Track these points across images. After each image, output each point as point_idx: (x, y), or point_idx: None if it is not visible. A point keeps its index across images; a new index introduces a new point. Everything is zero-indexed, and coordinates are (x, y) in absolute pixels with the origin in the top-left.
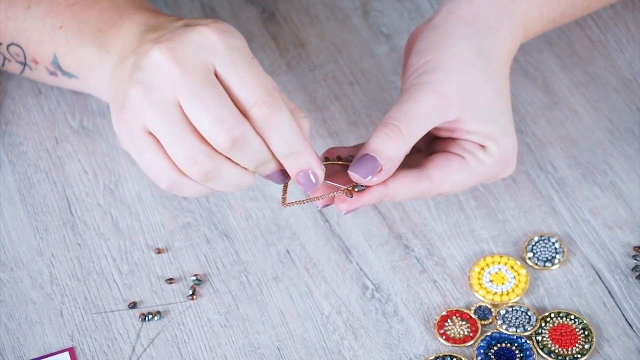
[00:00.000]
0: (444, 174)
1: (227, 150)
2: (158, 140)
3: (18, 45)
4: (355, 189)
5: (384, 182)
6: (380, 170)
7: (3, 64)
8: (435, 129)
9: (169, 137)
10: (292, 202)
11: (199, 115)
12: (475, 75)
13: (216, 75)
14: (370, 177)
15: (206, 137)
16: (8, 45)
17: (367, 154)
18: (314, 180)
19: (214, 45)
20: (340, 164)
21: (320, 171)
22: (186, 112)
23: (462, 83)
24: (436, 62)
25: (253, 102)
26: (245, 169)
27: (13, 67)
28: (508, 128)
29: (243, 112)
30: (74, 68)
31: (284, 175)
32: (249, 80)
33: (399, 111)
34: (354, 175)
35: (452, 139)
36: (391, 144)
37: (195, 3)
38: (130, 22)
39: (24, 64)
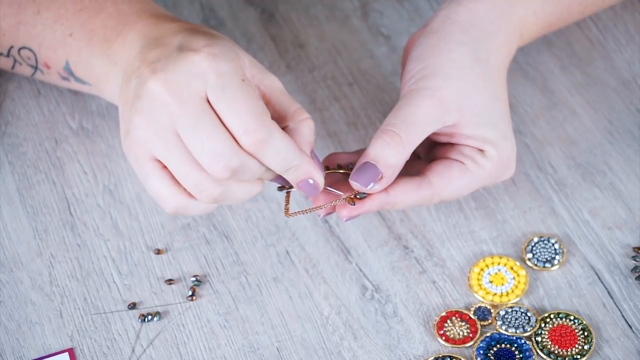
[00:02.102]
0: (445, 181)
1: (227, 179)
2: (164, 166)
3: (30, 50)
4: (357, 197)
5: (385, 189)
6: (381, 177)
7: (13, 67)
8: (435, 134)
9: (175, 165)
10: (295, 213)
11: (195, 149)
12: (473, 80)
13: (210, 102)
14: (371, 184)
15: (205, 169)
16: (20, 49)
17: (367, 162)
18: (314, 186)
19: (205, 73)
20: (341, 173)
21: (320, 177)
22: (185, 144)
23: (460, 88)
24: (434, 67)
25: (242, 132)
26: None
27: (23, 70)
28: (507, 132)
29: (236, 139)
30: (86, 76)
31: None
32: (237, 108)
33: (398, 117)
34: (354, 183)
35: (451, 145)
36: (391, 151)
37: (195, 4)
38: (132, 34)
39: (35, 68)
